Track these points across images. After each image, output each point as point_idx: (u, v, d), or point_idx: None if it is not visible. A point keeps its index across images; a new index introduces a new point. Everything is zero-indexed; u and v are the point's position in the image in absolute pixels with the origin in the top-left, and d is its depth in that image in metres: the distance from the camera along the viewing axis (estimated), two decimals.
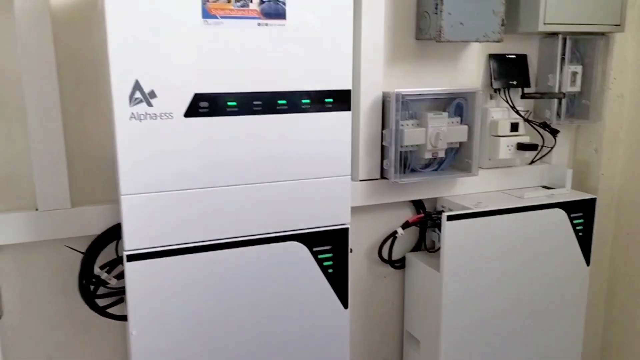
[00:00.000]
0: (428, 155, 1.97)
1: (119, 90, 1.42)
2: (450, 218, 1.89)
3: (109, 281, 1.66)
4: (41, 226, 1.62)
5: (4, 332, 1.68)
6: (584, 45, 2.20)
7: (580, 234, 2.11)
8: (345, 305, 1.78)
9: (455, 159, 2.07)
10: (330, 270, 1.75)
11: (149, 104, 1.46)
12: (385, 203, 2.04)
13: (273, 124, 1.60)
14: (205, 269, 1.60)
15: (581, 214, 2.10)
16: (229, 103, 1.54)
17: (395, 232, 2.08)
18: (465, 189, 2.13)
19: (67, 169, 1.63)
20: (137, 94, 1.45)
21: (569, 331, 2.19)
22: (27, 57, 1.55)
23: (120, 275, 1.68)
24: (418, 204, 2.13)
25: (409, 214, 2.13)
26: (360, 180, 1.96)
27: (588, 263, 2.15)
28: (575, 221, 2.09)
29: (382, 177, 1.99)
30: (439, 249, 2.11)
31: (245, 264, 1.64)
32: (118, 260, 1.68)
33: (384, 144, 1.95)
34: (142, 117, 1.46)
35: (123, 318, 1.61)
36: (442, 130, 1.95)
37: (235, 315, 1.66)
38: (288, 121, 1.61)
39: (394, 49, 1.98)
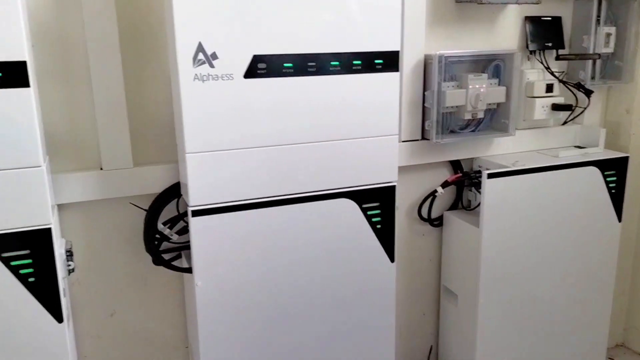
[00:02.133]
0: (467, 116, 2.03)
1: (184, 52, 1.49)
2: (490, 176, 1.96)
3: (171, 237, 1.74)
4: (106, 185, 1.70)
5: (71, 286, 1.77)
6: (618, 7, 2.24)
7: (613, 191, 2.19)
8: (392, 259, 1.87)
9: (493, 120, 2.13)
10: (378, 226, 1.83)
11: (211, 65, 1.53)
12: (425, 163, 2.11)
13: (326, 84, 1.66)
14: (263, 224, 1.68)
15: (614, 171, 2.17)
16: (285, 64, 1.60)
17: (435, 191, 2.15)
18: (501, 149, 2.20)
19: (129, 131, 1.70)
20: (200, 56, 1.52)
21: (599, 285, 2.28)
22: (91, 25, 1.61)
23: (181, 231, 1.76)
24: (456, 165, 2.20)
25: (446, 174, 2.20)
26: (403, 141, 2.03)
27: (620, 219, 2.23)
28: (608, 179, 2.16)
29: (423, 137, 2.06)
30: (475, 207, 2.19)
31: (300, 219, 1.72)
32: (179, 217, 1.76)
33: (425, 105, 2.02)
34: (204, 78, 1.52)
35: (188, 270, 1.69)
36: (481, 92, 2.01)
37: (291, 268, 1.74)
38: (340, 82, 1.68)
39: (435, 11, 2.02)
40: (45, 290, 1.49)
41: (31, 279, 1.47)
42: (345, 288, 1.84)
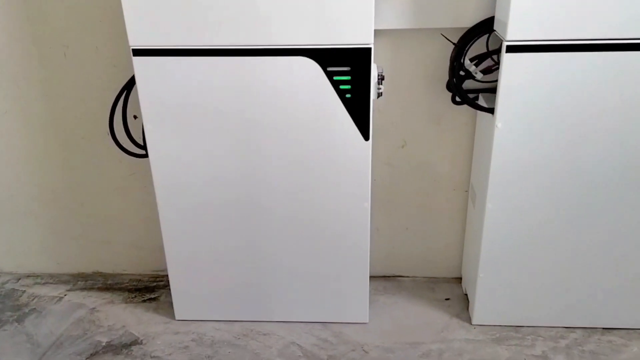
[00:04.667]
0: None
1: None
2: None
3: (475, 74, 1.69)
4: (419, 14, 1.69)
5: (373, 113, 1.89)
6: None
7: None
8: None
9: None
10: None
11: None
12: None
13: None
14: (583, 71, 1.51)
15: None
16: None
17: None
18: None
19: None
20: None
21: None
22: None
23: (486, 71, 1.70)
24: None
25: None
26: None
27: None
28: None
29: None
30: None
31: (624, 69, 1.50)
32: (487, 55, 1.69)
33: None
34: None
35: (489, 110, 1.65)
36: None
37: (607, 125, 1.57)
38: None
39: None
40: (358, 107, 1.61)
41: (348, 95, 1.60)
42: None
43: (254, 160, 1.70)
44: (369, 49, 1.53)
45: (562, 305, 1.85)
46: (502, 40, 1.53)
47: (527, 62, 1.51)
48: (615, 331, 1.86)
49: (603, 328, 1.87)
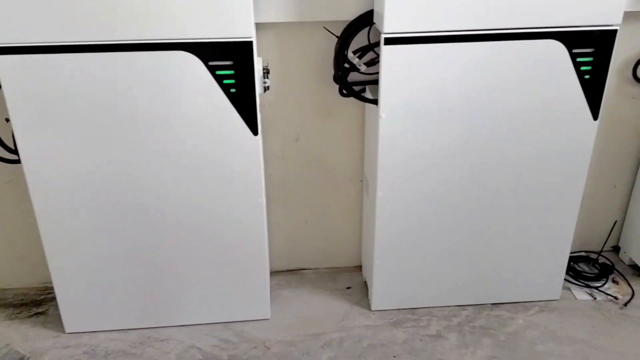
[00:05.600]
0: None
1: None
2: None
3: (359, 67, 1.72)
4: (302, 7, 1.69)
5: (262, 107, 1.88)
6: None
7: None
8: (596, 117, 1.68)
9: None
10: (586, 77, 1.62)
11: None
12: None
13: None
14: (456, 59, 1.57)
15: None
16: None
17: None
18: None
19: None
20: None
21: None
22: None
23: (370, 63, 1.73)
24: None
25: None
26: None
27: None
28: None
29: None
30: None
31: (499, 58, 1.58)
32: (369, 47, 1.72)
33: None
34: None
35: (373, 102, 1.68)
36: None
37: (477, 113, 1.65)
38: None
39: None
40: (244, 102, 1.59)
41: (233, 90, 1.57)
42: (540, 142, 1.71)
43: (137, 160, 1.63)
44: (251, 43, 1.51)
45: (454, 285, 1.94)
46: (380, 33, 1.56)
47: (404, 53, 1.56)
48: (502, 305, 1.98)
49: (492, 304, 1.98)
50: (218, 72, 1.54)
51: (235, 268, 1.82)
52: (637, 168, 2.08)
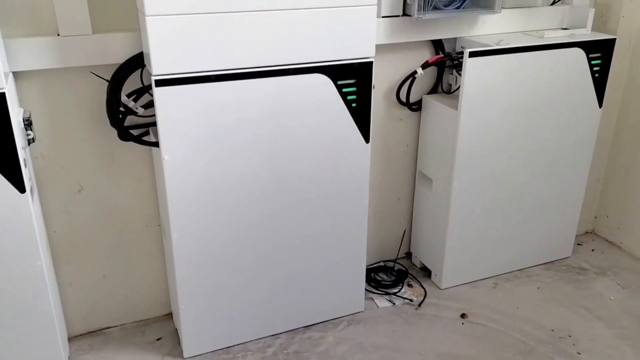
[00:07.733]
0: None
1: None
2: (472, 54, 1.88)
3: (136, 110, 1.67)
4: (64, 52, 1.59)
5: (35, 160, 1.72)
6: None
7: (597, 75, 2.13)
8: (367, 140, 1.84)
9: None
10: (353, 105, 1.77)
11: None
12: (404, 42, 2.01)
13: None
14: (233, 97, 1.61)
15: (599, 54, 2.10)
16: None
17: (415, 72, 2.07)
18: (486, 29, 2.10)
19: None
20: None
21: (575, 171, 2.29)
22: None
23: (148, 105, 1.69)
24: (438, 46, 2.11)
25: (427, 55, 2.11)
26: (382, 17, 1.92)
27: (600, 105, 2.20)
28: (593, 62, 2.09)
29: (404, 14, 1.95)
30: (455, 90, 2.13)
31: (271, 93, 1.65)
32: (144, 89, 1.68)
33: None
34: None
35: (155, 144, 1.64)
36: None
37: (260, 142, 1.70)
38: None
39: None
40: (4, 159, 1.44)
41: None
42: (319, 167, 1.81)
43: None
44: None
45: (264, 315, 1.95)
46: (150, 75, 1.54)
47: (178, 94, 1.55)
48: (314, 327, 2.05)
49: (304, 327, 2.04)
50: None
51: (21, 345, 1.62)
52: (414, 180, 2.33)
